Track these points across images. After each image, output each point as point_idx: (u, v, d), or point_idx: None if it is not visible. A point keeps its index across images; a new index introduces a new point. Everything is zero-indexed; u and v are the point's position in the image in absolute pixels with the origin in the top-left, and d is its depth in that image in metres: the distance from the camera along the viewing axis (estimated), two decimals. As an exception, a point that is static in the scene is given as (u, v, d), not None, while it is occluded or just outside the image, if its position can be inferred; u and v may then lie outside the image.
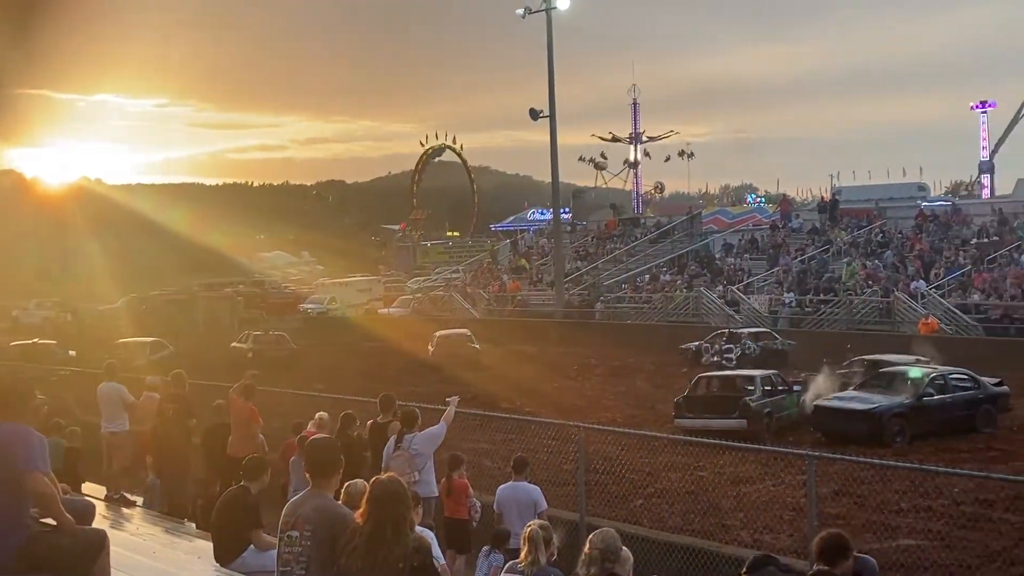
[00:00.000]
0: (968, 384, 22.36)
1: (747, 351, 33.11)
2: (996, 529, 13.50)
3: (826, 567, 6.46)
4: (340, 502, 6.37)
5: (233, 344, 42.86)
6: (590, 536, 6.43)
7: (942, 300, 38.15)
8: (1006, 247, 41.46)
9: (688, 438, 17.50)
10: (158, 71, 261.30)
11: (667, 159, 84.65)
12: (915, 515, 14.67)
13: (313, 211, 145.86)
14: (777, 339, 34.62)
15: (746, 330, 35.73)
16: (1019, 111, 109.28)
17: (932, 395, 21.69)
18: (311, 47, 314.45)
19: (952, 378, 22.51)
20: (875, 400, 21.75)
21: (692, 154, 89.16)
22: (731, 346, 33.66)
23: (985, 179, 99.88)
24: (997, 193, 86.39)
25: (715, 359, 33.46)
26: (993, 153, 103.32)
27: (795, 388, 24.25)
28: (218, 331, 52.24)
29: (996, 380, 23.20)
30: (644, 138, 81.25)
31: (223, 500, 9.13)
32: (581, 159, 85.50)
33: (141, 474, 15.57)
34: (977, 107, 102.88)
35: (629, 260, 56.31)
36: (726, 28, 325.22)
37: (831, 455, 14.55)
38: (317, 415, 13.93)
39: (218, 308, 55.32)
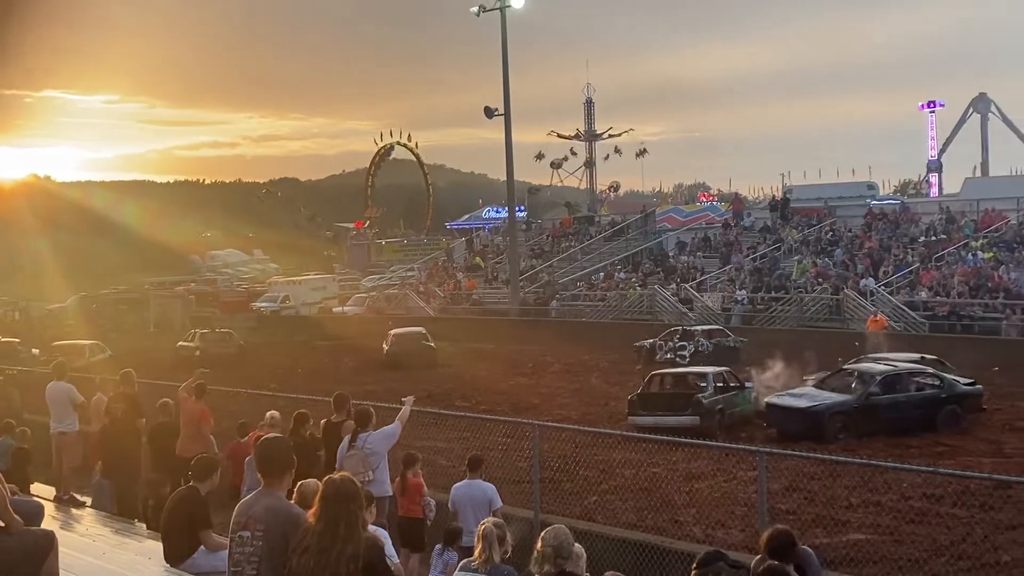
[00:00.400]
0: (930, 384, 22.22)
1: (700, 348, 33.36)
2: (944, 524, 13.70)
3: (776, 562, 6.59)
4: (293, 502, 6.34)
5: (180, 343, 42.51)
6: (542, 534, 6.46)
7: (891, 297, 38.61)
8: (953, 245, 42.05)
9: (641, 435, 17.62)
10: (108, 67, 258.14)
11: (615, 151, 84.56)
12: (864, 510, 14.88)
13: (266, 209, 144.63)
14: (730, 336, 34.91)
15: (700, 327, 35.95)
16: (966, 111, 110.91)
17: (879, 394, 21.69)
18: (265, 43, 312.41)
19: (912, 378, 22.44)
20: (820, 398, 21.98)
21: (645, 151, 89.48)
22: (684, 343, 33.90)
23: (933, 178, 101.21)
24: (945, 192, 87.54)
25: (669, 356, 33.71)
26: (941, 152, 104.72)
27: (747, 385, 24.53)
28: (170, 330, 51.82)
29: (969, 380, 23.02)
30: (599, 136, 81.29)
31: (172, 500, 9.05)
32: (538, 157, 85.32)
33: (91, 475, 15.41)
34: (925, 107, 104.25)
35: (584, 258, 56.48)
36: (679, 28, 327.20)
37: (781, 451, 14.69)
38: (268, 414, 13.85)
39: (169, 307, 54.86)
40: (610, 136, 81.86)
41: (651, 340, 35.56)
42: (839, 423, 21.15)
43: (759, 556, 7.00)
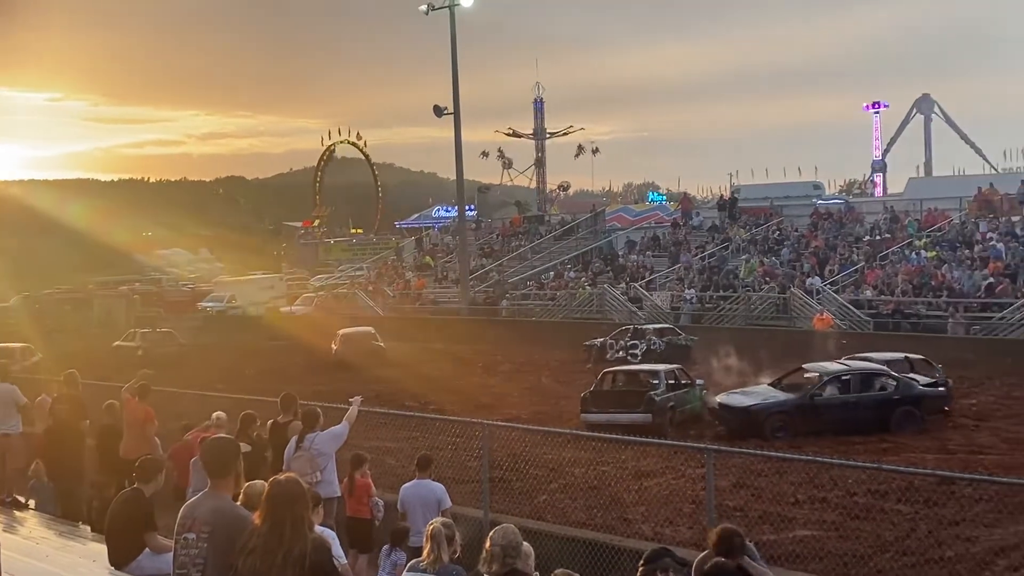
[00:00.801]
0: (885, 385, 22.07)
1: (652, 347, 33.46)
2: (889, 519, 13.86)
3: (723, 559, 6.67)
4: (239, 503, 6.28)
5: (117, 343, 42.01)
6: (491, 533, 6.45)
7: (836, 296, 39.03)
8: (897, 244, 42.62)
9: (590, 433, 17.67)
10: (51, 64, 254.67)
11: (579, 149, 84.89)
12: (810, 506, 15.02)
13: (212, 208, 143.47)
14: (680, 334, 35.07)
15: (651, 326, 36.06)
16: (910, 112, 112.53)
17: (822, 395, 21.76)
18: (212, 40, 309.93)
19: (864, 378, 22.34)
20: (760, 397, 22.19)
21: (597, 149, 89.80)
22: (636, 342, 34.02)
23: (878, 178, 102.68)
24: (889, 192, 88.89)
25: (620, 355, 33.73)
26: (885, 153, 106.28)
27: (697, 382, 24.72)
28: (114, 330, 51.14)
29: (931, 380, 22.87)
30: (547, 134, 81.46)
31: (116, 502, 8.95)
32: (483, 154, 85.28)
33: (27, 477, 15.20)
34: (870, 108, 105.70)
35: (534, 257, 56.54)
36: (630, 28, 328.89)
37: (729, 449, 14.82)
38: (214, 415, 13.71)
39: (114, 306, 54.15)
40: (564, 134, 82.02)
41: (601, 339, 35.63)
42: (778, 422, 21.26)
43: (705, 552, 7.09)
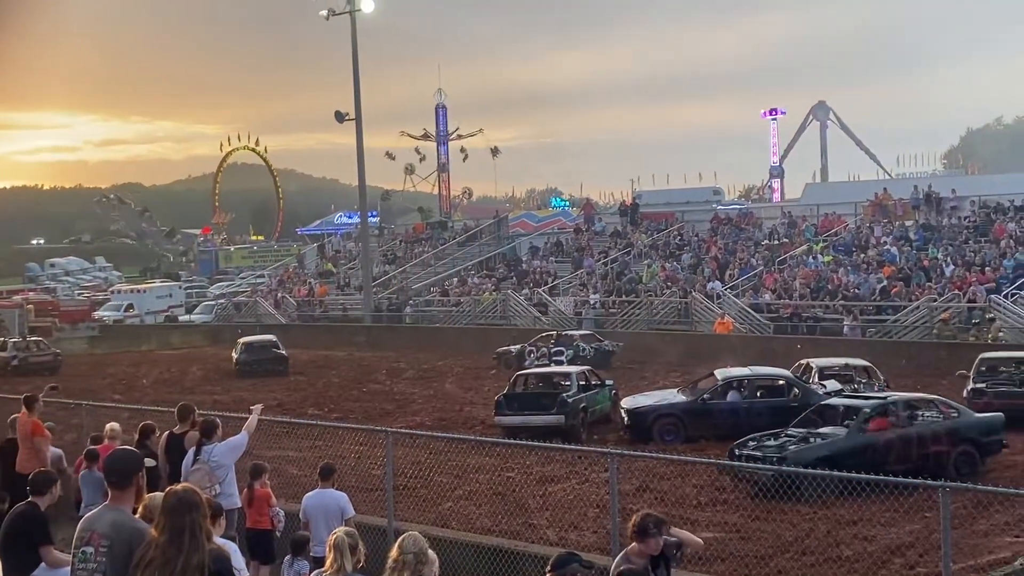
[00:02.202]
0: (784, 391, 22.06)
1: (581, 353, 33.27)
2: (788, 520, 14.09)
3: (631, 566, 6.78)
4: (139, 516, 6.13)
5: None
6: (400, 541, 6.37)
7: (736, 300, 39.64)
8: (795, 248, 43.49)
9: (493, 439, 17.65)
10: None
11: (488, 152, 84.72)
12: (713, 509, 15.22)
13: (108, 215, 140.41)
14: (604, 341, 35.11)
15: (577, 332, 36.03)
16: (806, 118, 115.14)
17: (713, 399, 21.84)
18: (109, 45, 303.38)
19: (763, 384, 22.46)
20: (660, 401, 22.43)
21: (498, 150, 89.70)
22: (561, 348, 33.76)
23: (776, 183, 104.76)
24: (787, 197, 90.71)
25: (542, 361, 32.94)
26: (783, 158, 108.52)
27: (607, 383, 24.89)
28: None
29: (839, 389, 22.32)
30: (452, 136, 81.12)
31: (11, 517, 8.69)
32: (388, 155, 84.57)
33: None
34: (767, 114, 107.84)
35: (437, 263, 56.43)
36: (531, 34, 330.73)
37: (632, 453, 14.92)
38: (108, 427, 13.37)
39: (5, 316, 52.51)
40: (460, 136, 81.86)
41: (517, 345, 35.47)
42: (667, 425, 21.44)
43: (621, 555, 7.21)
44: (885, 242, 41.58)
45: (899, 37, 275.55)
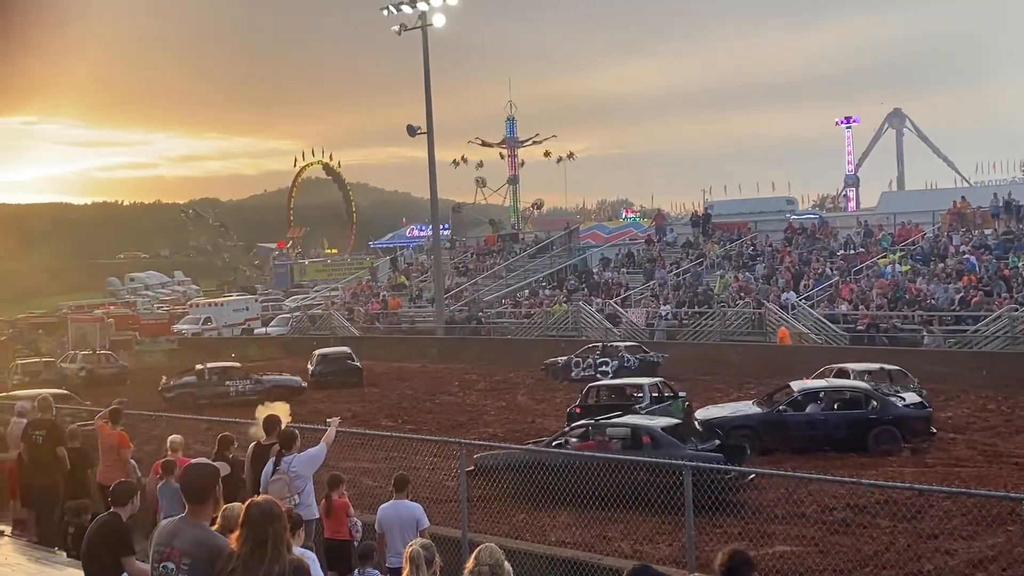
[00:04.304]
0: (862, 402, 21.49)
1: (626, 364, 33.37)
2: (868, 534, 13.89)
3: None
4: (217, 526, 6.21)
5: (61, 364, 41.78)
6: (476, 552, 6.40)
7: (811, 311, 39.18)
8: (871, 258, 42.87)
9: (566, 451, 17.58)
10: (26, 88, 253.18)
11: (545, 153, 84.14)
12: (790, 522, 15.03)
13: (186, 230, 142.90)
14: (649, 352, 35.03)
15: (622, 344, 36.05)
16: (882, 126, 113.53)
17: (788, 411, 21.58)
18: (186, 63, 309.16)
19: (838, 395, 21.93)
20: (735, 412, 22.22)
21: (572, 155, 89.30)
22: (607, 359, 33.94)
23: (851, 192, 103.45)
24: (862, 206, 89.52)
25: (588, 372, 33.45)
26: (858, 167, 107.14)
27: (680, 395, 24.72)
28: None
29: (916, 401, 22.13)
30: (527, 142, 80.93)
31: (93, 527, 8.85)
32: (461, 159, 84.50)
33: (11, 503, 15.02)
34: (842, 123, 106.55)
35: (508, 275, 56.52)
36: (602, 46, 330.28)
37: (707, 465, 14.79)
38: (169, 439, 13.49)
39: (88, 330, 53.65)
40: (535, 142, 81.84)
41: (564, 357, 35.57)
42: (742, 437, 20.85)
43: None
44: (964, 251, 40.80)
45: (976, 42, 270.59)
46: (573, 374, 33.92)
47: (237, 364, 35.77)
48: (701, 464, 13.48)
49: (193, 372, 33.84)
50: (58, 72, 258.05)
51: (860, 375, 24.50)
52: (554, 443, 18.07)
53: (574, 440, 18.07)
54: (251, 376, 33.55)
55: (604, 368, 33.35)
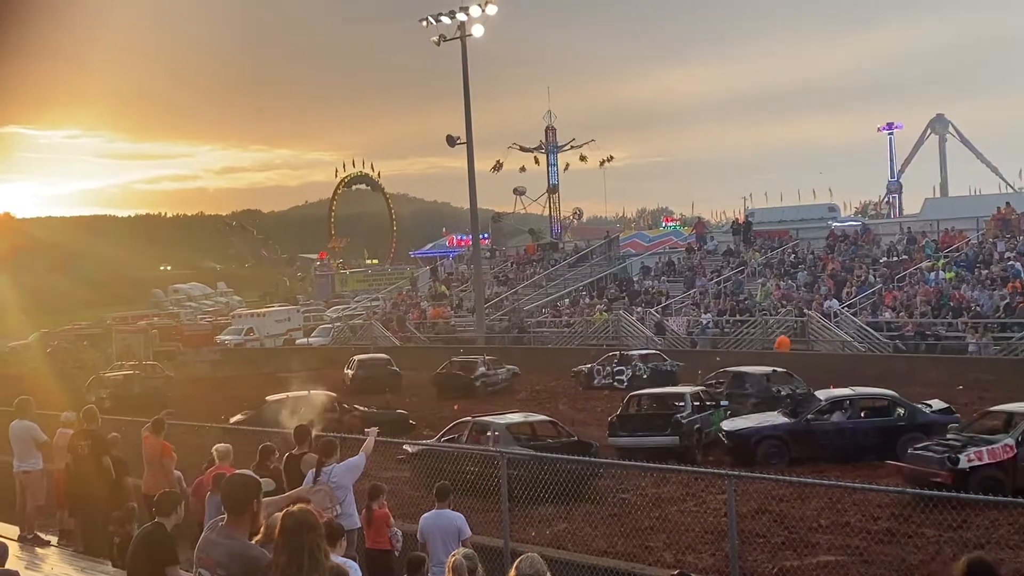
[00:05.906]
0: (888, 410, 21.48)
1: (638, 372, 33.64)
2: (913, 543, 13.72)
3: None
4: (260, 537, 6.24)
5: (104, 374, 41.87)
6: (517, 563, 6.38)
7: (854, 318, 38.84)
8: (915, 265, 42.43)
9: (607, 460, 17.54)
10: (69, 102, 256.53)
11: (581, 157, 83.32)
12: (833, 531, 14.89)
13: (228, 241, 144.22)
14: (667, 360, 34.92)
15: (636, 352, 36.09)
16: (924, 132, 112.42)
17: (817, 420, 21.44)
18: (226, 75, 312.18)
19: (862, 403, 21.85)
20: (761, 423, 22.02)
21: (611, 157, 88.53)
22: (622, 368, 34.22)
23: (893, 199, 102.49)
24: (905, 212, 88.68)
25: (607, 381, 34.30)
26: (900, 173, 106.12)
27: (722, 404, 24.54)
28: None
29: (944, 407, 21.96)
30: (564, 147, 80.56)
31: (138, 537, 8.92)
32: (495, 168, 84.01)
33: (57, 513, 15.19)
34: (884, 129, 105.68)
35: (549, 284, 56.51)
36: (640, 54, 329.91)
37: (750, 474, 14.71)
38: (214, 448, 13.58)
39: (132, 341, 54.20)
40: (572, 147, 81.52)
41: (589, 365, 35.75)
42: (771, 447, 21.01)
43: None
44: (1009, 257, 40.30)
45: (1020, 45, 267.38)
46: (595, 382, 34.66)
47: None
48: (743, 473, 13.39)
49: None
50: (101, 86, 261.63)
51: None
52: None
53: None
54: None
55: (620, 377, 33.92)
